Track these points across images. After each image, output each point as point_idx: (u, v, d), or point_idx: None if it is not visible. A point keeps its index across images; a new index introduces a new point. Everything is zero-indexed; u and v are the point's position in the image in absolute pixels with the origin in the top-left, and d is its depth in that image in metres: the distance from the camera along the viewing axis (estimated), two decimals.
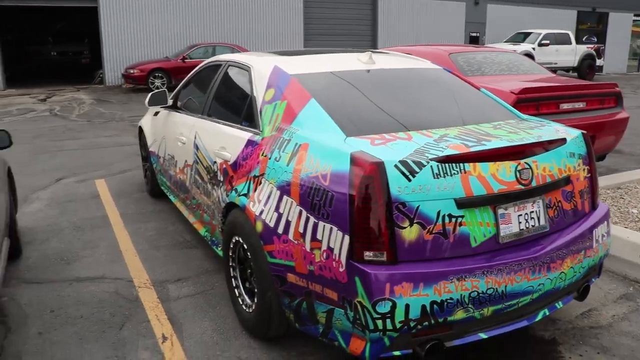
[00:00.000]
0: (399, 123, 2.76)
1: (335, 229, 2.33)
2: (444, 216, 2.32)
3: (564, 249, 2.62)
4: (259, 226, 2.73)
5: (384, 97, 3.04)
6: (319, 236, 2.41)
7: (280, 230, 2.61)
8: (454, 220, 2.34)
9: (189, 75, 4.72)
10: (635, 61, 31.39)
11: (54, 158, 7.79)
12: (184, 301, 3.51)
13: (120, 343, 3.03)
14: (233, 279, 3.24)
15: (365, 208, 2.24)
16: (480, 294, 2.35)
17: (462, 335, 2.44)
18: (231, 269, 3.24)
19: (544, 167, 2.64)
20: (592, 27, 29.46)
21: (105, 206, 5.49)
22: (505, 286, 2.41)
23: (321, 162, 2.46)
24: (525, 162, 2.55)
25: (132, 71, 16.57)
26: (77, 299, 3.54)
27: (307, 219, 2.47)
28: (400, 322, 2.24)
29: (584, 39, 27.05)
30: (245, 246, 2.94)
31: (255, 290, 2.88)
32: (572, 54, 22.14)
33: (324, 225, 2.38)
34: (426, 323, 2.28)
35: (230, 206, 3.14)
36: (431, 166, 2.32)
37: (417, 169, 2.30)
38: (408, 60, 3.75)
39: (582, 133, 3.01)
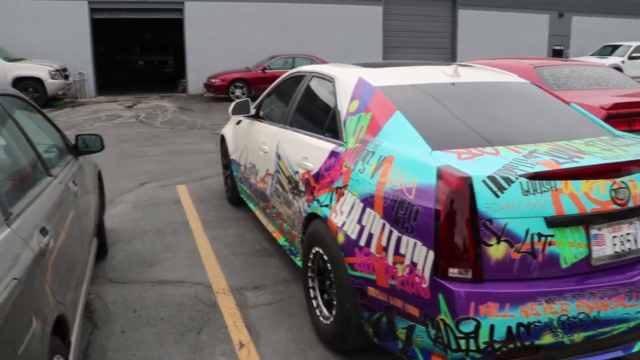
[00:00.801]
0: (486, 138, 2.68)
1: (419, 243, 2.29)
2: (532, 235, 2.24)
3: None
4: (341, 238, 2.73)
5: (470, 111, 2.98)
6: (402, 250, 2.38)
7: (362, 242, 2.60)
8: (543, 239, 2.25)
9: (271, 85, 4.82)
10: None
11: (139, 163, 8.16)
12: (262, 309, 3.56)
13: (198, 347, 3.11)
14: (311, 290, 3.25)
15: (451, 224, 2.20)
16: (571, 318, 2.24)
17: None
18: (309, 280, 3.26)
19: None
20: None
21: (186, 211, 5.68)
22: (598, 312, 2.28)
23: (406, 175, 2.44)
24: (622, 181, 2.41)
25: (214, 81, 17.14)
26: (158, 301, 3.67)
27: (391, 233, 2.44)
28: (484, 343, 2.17)
29: None
30: (325, 257, 2.94)
31: (334, 302, 2.88)
32: None
33: (408, 240, 2.35)
34: (511, 345, 2.20)
35: (312, 217, 3.16)
36: (520, 182, 2.25)
37: (505, 185, 2.23)
38: (494, 73, 3.66)
39: None
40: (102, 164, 5.03)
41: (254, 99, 5.13)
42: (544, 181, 2.28)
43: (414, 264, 2.32)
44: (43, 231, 2.14)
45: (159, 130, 11.60)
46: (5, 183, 2.13)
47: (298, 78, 4.19)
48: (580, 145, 2.68)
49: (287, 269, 4.20)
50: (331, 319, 2.95)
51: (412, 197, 2.36)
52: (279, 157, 3.86)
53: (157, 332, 3.27)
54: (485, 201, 2.20)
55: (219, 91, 17.10)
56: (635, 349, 2.51)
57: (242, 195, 5.45)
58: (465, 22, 22.96)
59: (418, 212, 2.31)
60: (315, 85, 3.83)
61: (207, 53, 19.13)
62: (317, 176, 3.18)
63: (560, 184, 2.30)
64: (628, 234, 2.44)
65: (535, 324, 2.19)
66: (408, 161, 2.50)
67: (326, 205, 2.94)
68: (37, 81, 14.68)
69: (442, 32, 23.08)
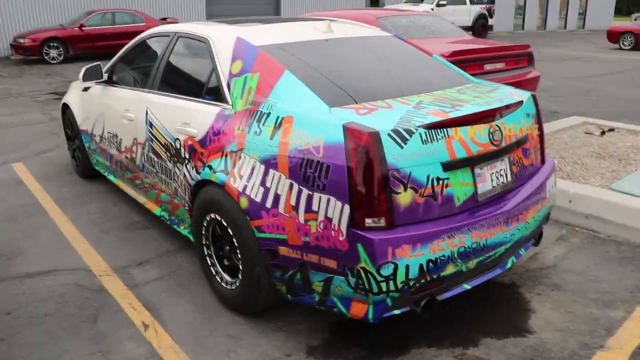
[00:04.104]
0: (373, 92, 2.82)
1: (333, 199, 2.38)
2: (432, 179, 2.45)
3: (527, 201, 2.86)
4: (244, 202, 2.72)
5: (350, 67, 3.08)
6: (314, 207, 2.44)
7: (268, 204, 2.62)
8: (441, 182, 2.48)
9: (125, 48, 4.47)
10: (519, 19, 33.32)
11: None
12: (154, 285, 3.42)
13: (99, 336, 2.91)
14: (208, 257, 3.21)
15: (364, 177, 2.30)
16: (467, 249, 2.52)
17: (450, 288, 2.62)
18: (205, 248, 3.20)
19: (510, 128, 2.83)
20: None
21: (34, 192, 5.15)
22: (486, 239, 2.60)
23: (310, 134, 2.48)
24: (496, 125, 2.73)
25: (22, 41, 15.25)
26: (34, 296, 3.32)
27: (300, 192, 2.49)
28: (401, 283, 2.36)
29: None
30: (224, 223, 2.91)
31: (240, 266, 2.88)
32: (467, 13, 23.16)
33: (320, 197, 2.42)
34: (423, 281, 2.42)
35: (202, 183, 3.08)
36: (419, 133, 2.43)
37: (407, 137, 2.39)
38: (360, 28, 3.79)
39: (532, 95, 3.23)
40: None
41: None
42: (438, 129, 2.48)
43: (328, 219, 2.40)
44: None
45: None
46: None
47: (160, 39, 3.94)
48: (454, 94, 2.95)
49: (167, 239, 4.06)
50: (237, 284, 2.95)
51: (320, 156, 2.42)
52: (150, 124, 3.65)
53: (45, 330, 2.96)
54: (392, 153, 2.34)
55: (30, 52, 15.31)
56: (509, 266, 2.93)
57: (97, 168, 5.08)
58: None
59: (329, 169, 2.38)
60: (184, 46, 3.64)
61: (9, 9, 16.90)
62: (204, 141, 3.09)
63: (451, 131, 2.52)
64: (501, 169, 2.79)
65: (441, 258, 2.43)
66: (309, 120, 2.53)
67: (221, 171, 2.88)
68: None
69: None
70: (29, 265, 3.72)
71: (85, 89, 4.92)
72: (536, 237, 3.20)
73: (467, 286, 2.69)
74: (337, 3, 24.41)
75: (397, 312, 2.48)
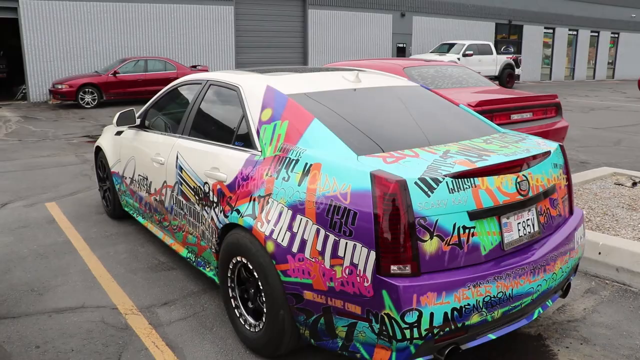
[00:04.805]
0: (401, 141, 2.87)
1: (359, 245, 2.40)
2: (459, 228, 2.46)
3: (555, 251, 2.83)
4: (270, 246, 2.76)
5: (378, 116, 3.15)
6: (340, 253, 2.47)
7: (294, 249, 2.65)
8: (467, 231, 2.49)
9: (158, 94, 4.64)
10: (547, 69, 33.50)
11: None
12: (178, 325, 3.45)
13: None
14: (232, 300, 3.23)
15: (391, 224, 2.33)
16: (492, 298, 2.50)
17: (475, 337, 2.59)
18: (230, 290, 3.23)
19: (537, 178, 2.84)
20: (508, 38, 31.17)
21: (65, 231, 5.27)
22: (512, 289, 2.58)
23: (338, 181, 2.53)
24: (523, 175, 2.74)
25: (60, 86, 15.89)
26: (62, 331, 3.38)
27: (326, 237, 2.52)
28: (425, 330, 2.35)
29: (502, 49, 28.59)
30: (250, 266, 2.94)
31: (265, 309, 2.89)
32: (493, 63, 23.39)
33: (347, 243, 2.45)
34: (447, 329, 2.41)
35: (230, 226, 3.14)
36: (446, 182, 2.46)
37: (434, 185, 2.43)
38: (388, 78, 3.89)
39: (560, 145, 3.25)
40: None
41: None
42: (465, 179, 2.51)
43: (354, 265, 2.42)
44: None
45: (5, 143, 10.52)
46: None
47: (191, 87, 4.09)
48: (481, 143, 2.99)
49: (192, 281, 4.10)
50: (261, 327, 2.96)
51: (347, 202, 2.46)
52: (180, 168, 3.75)
53: None
54: (418, 201, 2.37)
55: (67, 97, 15.91)
56: (535, 317, 2.88)
57: (126, 209, 5.19)
58: (315, 22, 23.70)
59: (356, 216, 2.42)
60: (215, 93, 3.77)
61: (49, 57, 17.68)
62: (233, 186, 3.16)
63: (478, 180, 2.55)
64: (527, 219, 2.78)
65: (466, 307, 2.42)
66: (337, 167, 2.59)
67: (249, 215, 2.94)
68: None
69: (293, 31, 23.58)
70: (58, 301, 3.79)
71: (118, 133, 5.08)
72: (564, 288, 3.15)
73: (492, 336, 2.65)
74: (363, 53, 24.92)
75: None
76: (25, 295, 3.90)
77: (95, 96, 16.04)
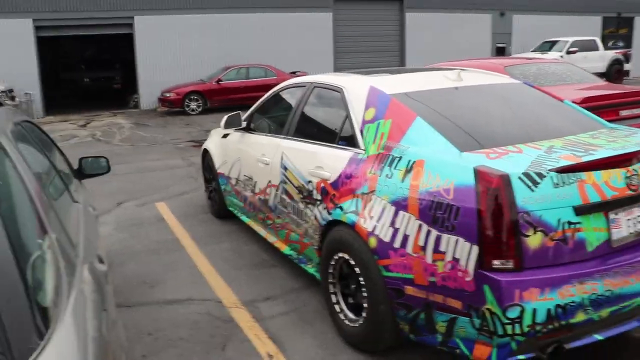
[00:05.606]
0: (504, 137, 2.82)
1: (461, 240, 2.40)
2: (563, 223, 2.40)
3: None
4: (373, 242, 2.81)
5: (480, 113, 3.12)
6: (442, 248, 2.48)
7: (396, 244, 2.68)
8: (572, 226, 2.42)
9: (263, 98, 4.85)
10: None
11: (110, 182, 7.91)
12: (280, 319, 3.57)
13: None
14: (333, 295, 3.30)
15: (494, 219, 2.31)
16: (599, 296, 2.41)
17: (580, 337, 2.49)
18: (331, 286, 3.31)
19: None
20: (616, 32, 29.24)
21: (173, 229, 5.61)
22: (621, 288, 2.47)
23: (441, 177, 2.54)
24: (634, 169, 2.61)
25: (168, 95, 16.92)
26: (172, 322, 3.61)
27: (429, 232, 2.54)
28: (528, 326, 2.31)
29: (610, 44, 26.86)
30: (352, 262, 3.00)
31: (365, 304, 2.94)
32: (600, 59, 21.98)
33: (449, 238, 2.45)
34: (550, 326, 2.34)
35: (333, 223, 3.22)
36: (551, 176, 2.40)
37: (538, 180, 2.38)
38: (490, 76, 3.83)
39: None
40: None
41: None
42: (570, 174, 2.43)
43: (456, 260, 2.42)
44: (101, 261, 2.10)
45: (120, 148, 11.36)
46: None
47: (295, 90, 4.24)
48: (587, 138, 2.87)
49: (293, 277, 4.22)
50: (361, 322, 3.01)
51: (450, 198, 2.46)
52: (285, 168, 3.90)
53: (180, 353, 3.23)
54: (522, 196, 2.33)
55: (174, 105, 16.91)
56: None
57: (230, 208, 5.43)
58: (412, 24, 23.49)
59: (459, 211, 2.42)
60: (319, 95, 3.89)
61: (158, 67, 18.85)
62: (336, 184, 3.24)
63: (584, 175, 2.46)
64: (638, 216, 2.64)
65: (570, 304, 2.35)
66: (440, 164, 2.60)
67: (352, 212, 3.01)
68: None
69: (390, 35, 23.52)
70: (167, 293, 4.06)
71: (225, 136, 5.34)
72: None
73: (598, 337, 2.53)
74: (462, 55, 24.32)
75: (521, 357, 2.40)
76: (138, 286, 4.21)
77: (200, 103, 16.89)
